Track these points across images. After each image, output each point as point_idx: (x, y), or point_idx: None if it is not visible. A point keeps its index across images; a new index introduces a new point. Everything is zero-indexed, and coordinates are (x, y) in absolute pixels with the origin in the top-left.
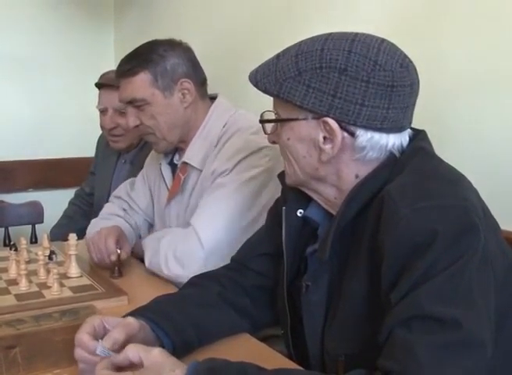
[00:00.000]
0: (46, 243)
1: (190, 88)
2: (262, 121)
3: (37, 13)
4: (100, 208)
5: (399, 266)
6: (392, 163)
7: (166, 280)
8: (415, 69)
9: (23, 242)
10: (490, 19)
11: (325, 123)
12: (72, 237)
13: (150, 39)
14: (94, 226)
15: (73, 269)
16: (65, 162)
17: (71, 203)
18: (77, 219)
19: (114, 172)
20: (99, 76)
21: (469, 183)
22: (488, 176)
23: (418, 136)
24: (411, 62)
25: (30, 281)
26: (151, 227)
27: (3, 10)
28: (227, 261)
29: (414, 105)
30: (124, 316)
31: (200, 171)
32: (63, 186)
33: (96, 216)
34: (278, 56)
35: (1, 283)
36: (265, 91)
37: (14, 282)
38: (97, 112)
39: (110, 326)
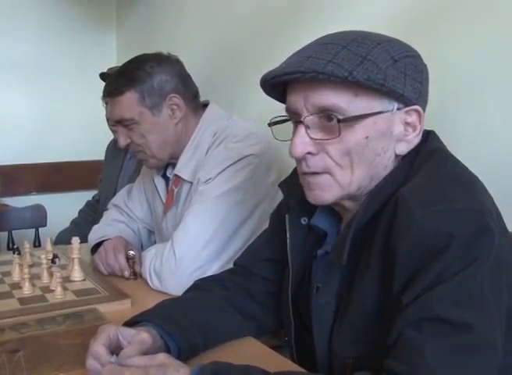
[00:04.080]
0: (49, 247)
1: (179, 103)
2: (347, 119)
3: (38, 16)
4: (106, 205)
5: (412, 268)
6: (409, 163)
7: None
8: None
9: (27, 246)
10: (491, 18)
11: (413, 111)
12: (76, 240)
13: (153, 40)
14: (97, 231)
15: (76, 273)
16: (69, 166)
17: (80, 211)
18: (83, 226)
19: (121, 170)
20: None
21: (483, 186)
22: (493, 177)
23: (430, 136)
24: None
25: (34, 285)
26: (151, 234)
27: (3, 13)
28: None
29: None
30: (127, 322)
31: (191, 183)
32: (66, 189)
33: (100, 218)
34: (343, 47)
35: (4, 287)
36: (367, 81)
37: (17, 286)
38: (101, 116)
39: (124, 339)
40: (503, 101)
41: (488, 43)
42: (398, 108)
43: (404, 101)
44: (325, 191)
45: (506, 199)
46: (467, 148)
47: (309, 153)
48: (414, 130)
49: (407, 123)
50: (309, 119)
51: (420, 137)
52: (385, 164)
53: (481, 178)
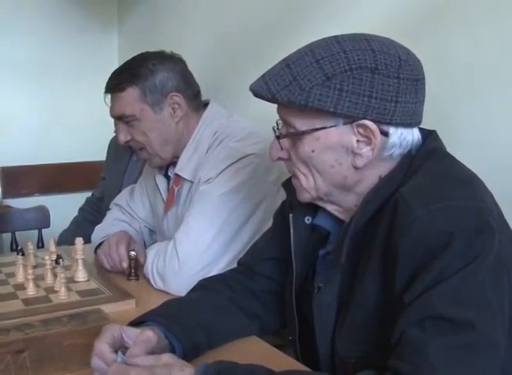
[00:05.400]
0: (53, 247)
1: (180, 102)
2: (279, 137)
3: (39, 16)
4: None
5: (413, 267)
6: (407, 164)
7: None
8: None
9: (30, 247)
10: (490, 17)
11: (363, 126)
12: (79, 241)
13: (154, 40)
14: (100, 231)
15: (80, 273)
16: (72, 167)
17: (80, 209)
18: (84, 227)
19: (126, 172)
20: (104, 78)
21: (483, 185)
22: (495, 176)
23: (431, 136)
24: None
25: (38, 286)
26: (153, 234)
27: (5, 14)
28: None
29: None
30: (132, 323)
31: (192, 182)
32: (69, 190)
33: (103, 218)
34: (287, 65)
35: (8, 288)
36: (288, 103)
37: (21, 287)
38: (104, 116)
39: (128, 338)
40: (504, 100)
41: (489, 42)
42: (344, 123)
43: (344, 117)
44: (298, 191)
45: (508, 198)
46: (468, 147)
47: (281, 158)
48: (370, 144)
49: (363, 136)
50: (280, 128)
51: (376, 151)
52: (343, 174)
53: (482, 177)
